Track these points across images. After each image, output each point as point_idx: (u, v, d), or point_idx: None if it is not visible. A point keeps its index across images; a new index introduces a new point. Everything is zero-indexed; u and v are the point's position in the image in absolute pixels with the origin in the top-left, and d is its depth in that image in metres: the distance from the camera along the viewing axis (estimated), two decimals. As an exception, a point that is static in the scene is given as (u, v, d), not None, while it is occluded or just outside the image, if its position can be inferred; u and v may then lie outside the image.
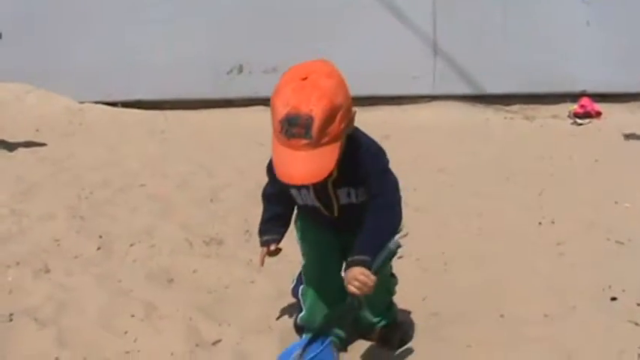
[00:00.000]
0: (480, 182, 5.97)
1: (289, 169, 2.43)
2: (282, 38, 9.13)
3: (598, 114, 9.21)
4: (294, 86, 2.42)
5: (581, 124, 8.91)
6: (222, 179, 5.96)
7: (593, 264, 4.09)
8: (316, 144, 2.38)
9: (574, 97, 9.63)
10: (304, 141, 2.37)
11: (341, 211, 2.77)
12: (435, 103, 9.37)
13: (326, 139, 2.39)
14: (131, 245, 4.42)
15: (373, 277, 2.53)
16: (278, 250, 3.01)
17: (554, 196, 5.54)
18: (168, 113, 8.74)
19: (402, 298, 3.23)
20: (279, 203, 2.96)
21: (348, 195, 2.73)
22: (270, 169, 2.78)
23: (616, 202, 5.32)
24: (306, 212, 2.93)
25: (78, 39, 9.02)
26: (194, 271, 4.00)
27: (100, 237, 4.55)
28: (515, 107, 9.69)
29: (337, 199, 2.74)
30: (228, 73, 9.21)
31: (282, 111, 2.39)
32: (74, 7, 9.06)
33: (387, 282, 3.00)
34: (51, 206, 5.14)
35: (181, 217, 4.96)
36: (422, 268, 4.04)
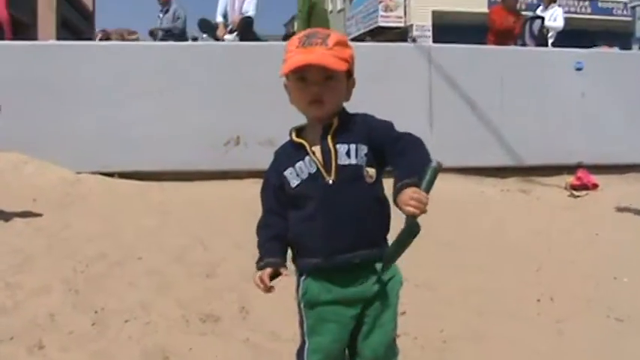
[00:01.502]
0: (478, 257, 5.94)
1: (301, 58, 2.59)
2: (279, 111, 9.12)
3: (595, 186, 9.23)
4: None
5: (578, 197, 8.93)
6: (218, 253, 5.91)
7: (594, 342, 4.06)
8: (331, 51, 2.58)
9: (570, 169, 9.67)
10: (321, 47, 2.58)
11: (339, 177, 2.66)
12: (431, 176, 9.38)
13: (339, 53, 2.61)
14: (126, 321, 4.36)
15: (425, 194, 2.42)
16: (279, 274, 2.76)
17: (553, 271, 5.53)
18: (165, 185, 8.74)
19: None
20: (275, 226, 2.84)
21: (348, 153, 2.67)
22: (264, 189, 2.88)
23: (615, 278, 5.31)
24: (301, 212, 2.76)
25: (75, 110, 9.05)
26: (190, 350, 3.96)
27: (96, 312, 4.50)
28: (511, 180, 9.71)
29: (336, 155, 2.67)
30: (224, 145, 9.24)
31: (302, 33, 2.67)
32: (71, 78, 9.11)
33: (391, 354, 2.94)
34: (46, 279, 5.09)
35: (178, 293, 4.91)
36: (420, 346, 4.00)
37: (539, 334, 4.22)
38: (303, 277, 2.81)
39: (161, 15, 13.60)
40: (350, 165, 2.66)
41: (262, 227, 2.87)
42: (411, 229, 2.50)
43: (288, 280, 2.88)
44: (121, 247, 6.05)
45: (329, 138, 2.68)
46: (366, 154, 2.68)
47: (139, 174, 8.96)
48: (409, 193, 2.41)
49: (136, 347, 3.97)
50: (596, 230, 6.81)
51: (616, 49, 13.94)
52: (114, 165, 8.97)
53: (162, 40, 12.74)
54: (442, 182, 8.23)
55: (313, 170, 2.69)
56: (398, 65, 9.69)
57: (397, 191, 2.47)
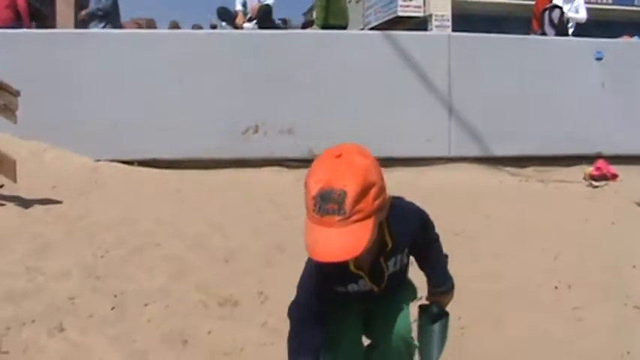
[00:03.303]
0: (496, 245, 5.93)
1: (323, 247, 2.38)
2: (297, 99, 9.19)
3: (614, 176, 9.19)
4: (328, 164, 2.43)
5: (597, 187, 8.89)
6: (236, 240, 5.93)
7: (611, 329, 4.05)
8: (349, 220, 2.35)
9: (589, 159, 9.62)
10: (337, 217, 2.35)
11: (385, 283, 2.79)
12: (450, 165, 9.37)
13: (359, 215, 2.36)
14: (146, 305, 4.39)
15: None
16: None
17: (571, 259, 5.50)
18: (184, 172, 8.75)
19: (417, 364, 3.20)
20: (314, 328, 2.73)
21: (395, 264, 2.77)
22: (308, 281, 2.75)
23: (634, 266, 5.28)
24: (339, 298, 2.83)
25: (94, 98, 9.08)
26: (209, 333, 3.99)
27: (115, 296, 4.52)
28: (530, 169, 9.68)
29: (387, 269, 2.76)
30: (243, 133, 9.24)
31: (316, 187, 2.39)
32: (91, 66, 9.15)
33: (409, 346, 2.97)
34: (66, 264, 5.09)
35: (196, 278, 4.94)
36: (438, 332, 4.00)
37: (557, 320, 4.22)
38: None
39: None
40: (395, 272, 2.80)
41: (297, 326, 2.77)
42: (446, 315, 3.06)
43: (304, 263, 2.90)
44: (139, 233, 6.05)
45: (382, 259, 2.72)
46: (407, 254, 2.85)
47: (158, 162, 8.99)
48: (450, 298, 3.06)
49: (155, 331, 4.01)
50: (615, 220, 6.77)
51: (636, 39, 13.83)
52: (133, 153, 9.01)
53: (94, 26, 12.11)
54: (460, 172, 8.23)
55: (367, 289, 2.78)
56: (417, 54, 9.66)
57: (441, 292, 3.02)
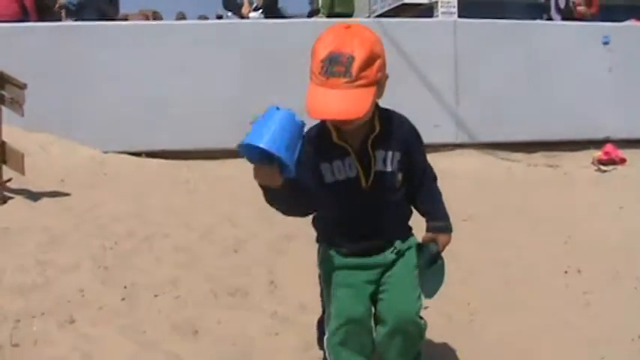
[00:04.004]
0: (505, 231, 5.93)
1: (325, 105, 2.51)
2: (304, 87, 9.15)
3: (622, 160, 9.17)
4: (337, 32, 2.60)
5: (605, 171, 8.88)
6: (246, 229, 5.92)
7: (622, 313, 4.05)
8: (353, 83, 2.48)
9: (597, 143, 9.60)
10: (343, 79, 2.48)
11: (374, 182, 2.76)
12: (457, 152, 9.35)
13: (363, 81, 2.50)
14: (156, 296, 4.40)
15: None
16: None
17: (580, 244, 5.50)
18: (192, 163, 8.75)
19: (426, 349, 3.20)
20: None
21: (384, 160, 2.77)
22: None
23: (643, 250, 5.28)
24: (330, 209, 2.81)
25: (102, 90, 9.08)
26: (219, 323, 3.99)
27: (125, 287, 4.53)
28: (538, 155, 9.66)
29: (375, 162, 2.75)
30: (251, 123, 9.22)
31: (325, 51, 2.54)
32: (97, 58, 9.14)
33: (419, 328, 2.94)
34: (75, 257, 5.10)
35: (206, 268, 4.94)
36: (447, 318, 4.01)
37: (567, 305, 4.22)
38: (322, 244, 2.91)
39: None
40: (386, 172, 2.78)
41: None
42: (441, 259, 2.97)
43: (314, 252, 2.91)
44: (148, 224, 6.06)
45: (369, 144, 2.73)
46: (399, 161, 2.79)
47: (166, 153, 9.00)
48: (448, 240, 2.99)
49: (165, 321, 4.01)
50: (624, 204, 6.75)
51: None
52: (141, 144, 9.01)
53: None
54: (468, 158, 8.21)
55: (353, 175, 2.76)
56: (424, 41, 9.64)
57: (437, 229, 2.96)
